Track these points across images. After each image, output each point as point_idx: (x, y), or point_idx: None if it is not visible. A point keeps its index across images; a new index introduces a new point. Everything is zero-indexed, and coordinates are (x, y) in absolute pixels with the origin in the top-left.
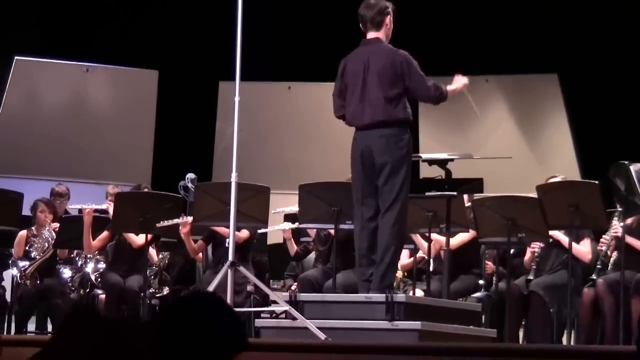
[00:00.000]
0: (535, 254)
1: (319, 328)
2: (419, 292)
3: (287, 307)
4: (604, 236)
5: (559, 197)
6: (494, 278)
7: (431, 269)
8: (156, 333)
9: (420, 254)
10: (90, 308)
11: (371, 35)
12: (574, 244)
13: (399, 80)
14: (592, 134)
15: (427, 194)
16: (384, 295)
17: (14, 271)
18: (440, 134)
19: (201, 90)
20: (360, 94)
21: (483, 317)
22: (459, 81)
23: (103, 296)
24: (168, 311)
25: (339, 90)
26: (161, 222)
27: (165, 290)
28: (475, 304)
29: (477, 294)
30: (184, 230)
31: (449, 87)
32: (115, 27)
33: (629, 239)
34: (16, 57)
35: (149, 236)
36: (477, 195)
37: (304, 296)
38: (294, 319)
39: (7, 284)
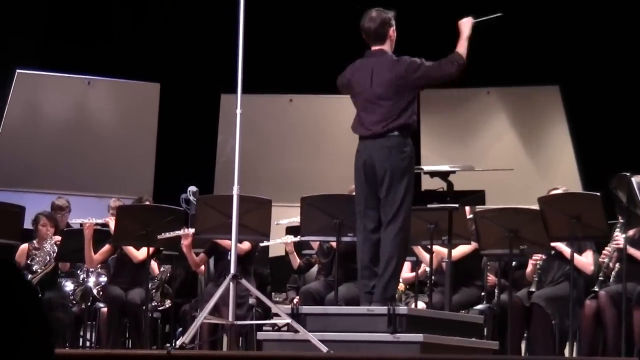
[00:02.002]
0: (537, 265)
1: (321, 341)
2: (421, 305)
3: (289, 320)
4: (606, 248)
5: (560, 209)
6: (496, 290)
7: (433, 281)
8: None
9: (422, 266)
10: None
11: (375, 47)
12: (576, 255)
13: (406, 88)
14: (593, 145)
15: (428, 205)
16: (386, 307)
17: None
18: (441, 146)
19: (203, 103)
20: (363, 105)
21: (485, 329)
22: (464, 25)
23: (105, 309)
24: None
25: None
26: (163, 234)
27: (167, 303)
28: (477, 316)
29: (479, 306)
30: (185, 243)
31: (459, 50)
32: (117, 40)
33: (631, 250)
34: (18, 70)
35: (151, 249)
36: (478, 207)
37: (306, 309)
38: (296, 331)
39: None
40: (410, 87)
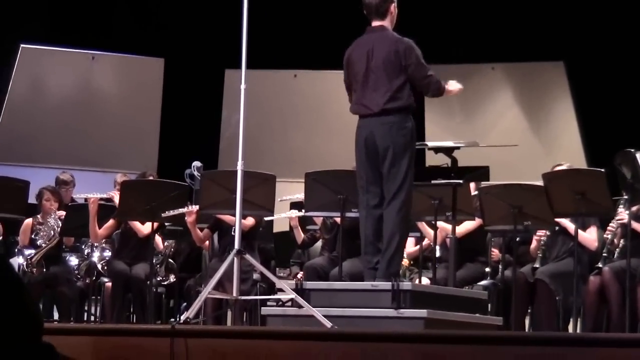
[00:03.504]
0: (542, 242)
1: (325, 316)
2: (425, 280)
3: (293, 295)
4: (610, 224)
5: (565, 185)
6: (500, 266)
7: (437, 257)
8: None
9: (426, 241)
10: None
11: (376, 23)
12: (580, 231)
13: (402, 68)
14: (598, 121)
15: (433, 181)
16: (390, 283)
17: (20, 259)
18: (446, 121)
19: (207, 78)
20: (363, 81)
21: (489, 305)
22: (454, 85)
23: (109, 284)
24: None
25: (347, 81)
26: (167, 212)
27: (172, 278)
28: (481, 292)
29: (483, 282)
30: (189, 219)
31: (447, 87)
32: (122, 15)
33: (635, 226)
34: (22, 45)
35: (155, 224)
36: (483, 183)
37: (310, 284)
38: (300, 307)
39: None
40: (404, 67)
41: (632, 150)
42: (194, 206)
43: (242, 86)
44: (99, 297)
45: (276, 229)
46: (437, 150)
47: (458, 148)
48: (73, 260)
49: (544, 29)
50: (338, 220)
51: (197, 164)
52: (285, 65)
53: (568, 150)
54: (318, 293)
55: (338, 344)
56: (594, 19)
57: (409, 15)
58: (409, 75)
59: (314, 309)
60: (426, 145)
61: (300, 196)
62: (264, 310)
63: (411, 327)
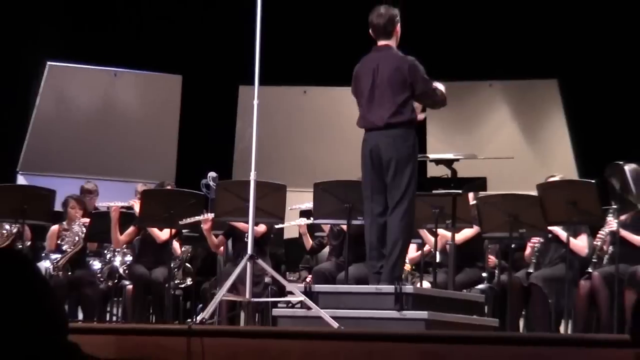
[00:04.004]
0: (535, 248)
1: (332, 317)
2: (426, 284)
3: (302, 298)
4: (599, 232)
5: (558, 195)
6: (496, 271)
7: (437, 262)
8: None
9: (427, 247)
10: None
11: (382, 42)
12: (571, 239)
13: (407, 85)
14: (589, 135)
15: (434, 191)
16: (393, 286)
17: (47, 263)
18: (446, 135)
19: (222, 94)
20: (369, 97)
21: (486, 307)
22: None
23: (130, 286)
24: None
25: (354, 96)
26: (184, 219)
27: (189, 281)
28: (478, 295)
29: (481, 286)
30: (205, 227)
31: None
32: (142, 34)
33: (624, 233)
34: (49, 63)
35: (173, 231)
36: (481, 193)
37: (318, 287)
38: (309, 308)
39: None
40: (408, 84)
41: (621, 162)
42: (209, 214)
43: (255, 101)
44: (120, 299)
45: (286, 235)
46: (437, 162)
47: (457, 160)
48: (96, 264)
49: (539, 48)
50: (344, 227)
51: (212, 174)
52: (295, 81)
53: (561, 163)
54: (326, 296)
55: (344, 344)
56: (585, 40)
57: (411, 34)
58: (416, 91)
59: (321, 310)
60: (428, 157)
61: (309, 205)
62: (275, 312)
63: (413, 327)
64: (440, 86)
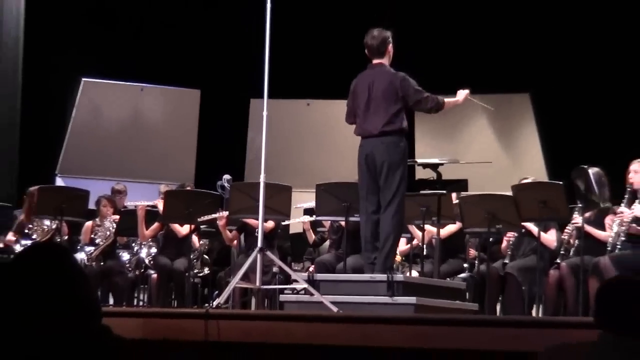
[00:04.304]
0: (510, 242)
1: (332, 302)
2: (414, 273)
3: (306, 285)
4: (567, 227)
5: (530, 195)
6: (476, 262)
7: (424, 254)
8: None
9: (415, 241)
10: None
11: (376, 61)
12: (542, 233)
13: (398, 97)
14: (557, 142)
15: (421, 192)
16: (386, 275)
17: (82, 255)
18: (432, 142)
19: (235, 106)
20: (365, 108)
21: (467, 293)
22: (461, 94)
23: (155, 276)
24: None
25: (350, 108)
26: (202, 216)
27: (206, 271)
28: (460, 283)
29: (462, 275)
30: (220, 223)
31: (447, 99)
32: (165, 53)
33: (588, 228)
34: (84, 79)
35: (192, 226)
36: (462, 193)
37: (319, 276)
38: (312, 295)
39: None
40: (399, 97)
41: (585, 166)
42: (224, 212)
43: (264, 113)
44: (146, 286)
45: (292, 230)
46: (425, 166)
47: (442, 164)
48: (125, 256)
49: (513, 66)
50: (343, 223)
51: (227, 176)
52: (300, 95)
53: (532, 166)
54: (326, 283)
55: (343, 326)
56: (555, 59)
57: (404, 53)
58: (409, 102)
59: (322, 296)
60: (416, 161)
61: (311, 203)
62: (282, 297)
63: (403, 311)
64: (460, 95)
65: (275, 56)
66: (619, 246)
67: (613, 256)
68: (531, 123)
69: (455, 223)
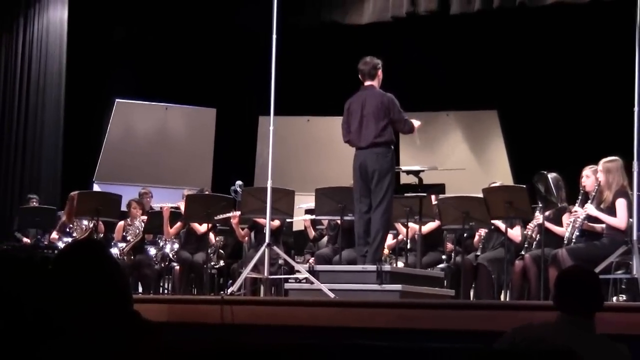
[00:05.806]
0: (482, 236)
1: (329, 290)
2: (400, 264)
3: (307, 275)
4: (529, 224)
5: (498, 197)
6: (453, 254)
7: (408, 247)
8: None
9: (400, 237)
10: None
11: (367, 83)
12: (509, 229)
13: (386, 114)
14: (521, 151)
15: (405, 194)
16: (376, 266)
17: (115, 250)
18: (414, 152)
19: (246, 123)
20: (358, 125)
21: (445, 281)
22: (415, 122)
23: (177, 268)
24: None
25: (345, 123)
26: (218, 216)
27: (221, 263)
28: (439, 272)
29: (441, 265)
30: (234, 221)
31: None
32: (186, 77)
33: (547, 225)
34: (117, 100)
35: (209, 225)
36: (441, 195)
37: (319, 267)
38: (312, 283)
39: None
40: (387, 114)
41: (545, 172)
42: (237, 212)
43: (271, 128)
44: (170, 277)
45: (295, 228)
46: (408, 172)
47: (423, 171)
48: (152, 251)
49: (483, 88)
50: (339, 221)
51: (239, 182)
52: (301, 112)
53: (500, 172)
54: (325, 273)
55: (339, 309)
56: (518, 81)
57: (391, 76)
58: (392, 120)
59: (322, 284)
60: (401, 169)
61: (312, 205)
62: (287, 286)
63: (390, 297)
64: (414, 121)
65: (280, 80)
66: (574, 240)
67: (569, 248)
68: (499, 135)
69: (434, 221)
